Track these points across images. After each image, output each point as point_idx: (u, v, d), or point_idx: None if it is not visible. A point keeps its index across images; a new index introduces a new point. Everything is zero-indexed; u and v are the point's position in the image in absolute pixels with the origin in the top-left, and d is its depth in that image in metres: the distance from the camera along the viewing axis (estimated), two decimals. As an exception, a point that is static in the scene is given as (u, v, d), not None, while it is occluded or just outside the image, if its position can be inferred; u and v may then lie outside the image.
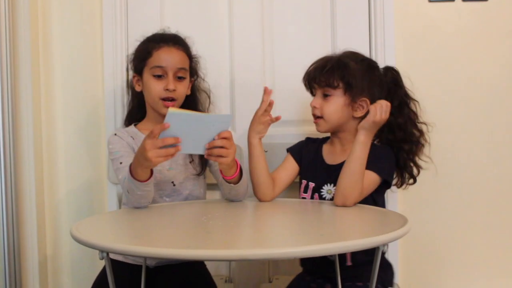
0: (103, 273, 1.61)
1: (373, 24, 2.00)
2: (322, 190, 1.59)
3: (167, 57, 1.64)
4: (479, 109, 2.00)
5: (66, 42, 2.05)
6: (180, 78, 1.66)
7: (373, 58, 1.95)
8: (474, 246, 2.02)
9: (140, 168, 1.39)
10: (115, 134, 1.66)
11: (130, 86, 1.85)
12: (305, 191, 1.63)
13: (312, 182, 1.61)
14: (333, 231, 1.23)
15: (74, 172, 2.06)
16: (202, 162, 1.69)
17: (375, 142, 1.62)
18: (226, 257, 1.09)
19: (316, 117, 1.60)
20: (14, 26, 1.84)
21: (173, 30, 1.75)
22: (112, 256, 1.54)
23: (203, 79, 1.85)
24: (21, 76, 1.88)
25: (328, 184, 1.58)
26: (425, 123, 1.68)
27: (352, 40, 1.99)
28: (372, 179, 1.50)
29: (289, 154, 1.70)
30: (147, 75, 1.66)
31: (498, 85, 1.99)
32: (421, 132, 1.66)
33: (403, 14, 2.00)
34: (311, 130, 1.90)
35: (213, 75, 1.92)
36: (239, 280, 2.03)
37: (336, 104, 1.56)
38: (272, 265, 2.04)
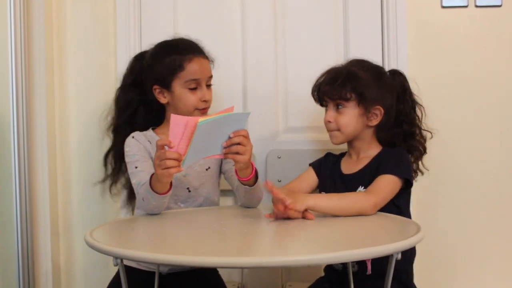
0: (116, 279, 1.61)
1: (385, 30, 1.99)
2: None
3: (201, 69, 1.61)
4: (493, 115, 1.99)
5: (80, 46, 2.06)
6: (209, 86, 1.66)
7: (386, 64, 1.96)
8: (488, 250, 2.00)
9: (158, 183, 1.39)
10: (133, 137, 1.64)
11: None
12: None
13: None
14: (346, 238, 1.23)
15: (87, 177, 2.06)
16: (219, 170, 1.70)
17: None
18: (241, 265, 1.09)
19: (331, 130, 1.60)
20: (29, 31, 1.86)
21: (184, 35, 1.70)
22: (125, 262, 1.54)
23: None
24: (35, 81, 1.89)
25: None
26: (429, 131, 1.68)
27: (364, 46, 1.99)
28: (392, 182, 1.47)
29: (310, 167, 1.71)
30: (179, 88, 1.61)
31: (512, 90, 1.98)
32: (424, 139, 1.66)
33: (416, 20, 1.99)
34: (323, 137, 1.90)
35: (225, 81, 1.93)
36: (251, 286, 2.02)
37: (350, 116, 1.55)
38: (285, 271, 2.03)
